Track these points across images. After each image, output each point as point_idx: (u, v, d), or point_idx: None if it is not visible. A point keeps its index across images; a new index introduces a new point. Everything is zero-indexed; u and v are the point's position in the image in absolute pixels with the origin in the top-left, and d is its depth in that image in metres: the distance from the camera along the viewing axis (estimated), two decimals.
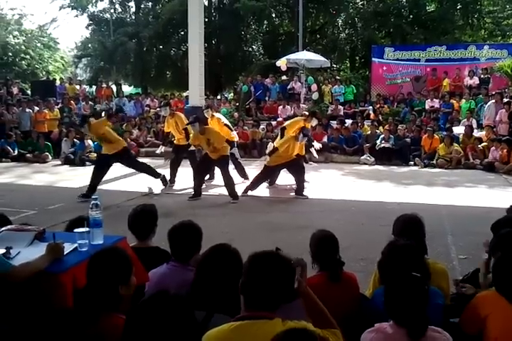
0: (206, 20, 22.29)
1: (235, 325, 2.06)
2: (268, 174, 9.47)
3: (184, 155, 10.18)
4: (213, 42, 27.95)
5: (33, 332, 2.49)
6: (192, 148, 9.66)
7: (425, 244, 3.33)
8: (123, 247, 3.22)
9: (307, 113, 10.38)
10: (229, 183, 8.84)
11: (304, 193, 9.05)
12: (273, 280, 2.07)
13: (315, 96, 17.09)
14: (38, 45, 36.25)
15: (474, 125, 14.20)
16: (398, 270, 2.70)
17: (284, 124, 9.85)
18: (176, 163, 10.18)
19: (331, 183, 10.53)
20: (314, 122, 10.19)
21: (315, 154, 10.59)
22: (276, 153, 9.06)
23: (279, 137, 9.60)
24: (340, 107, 16.89)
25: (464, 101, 15.75)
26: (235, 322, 2.07)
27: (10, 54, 33.64)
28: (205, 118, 9.89)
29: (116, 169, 10.92)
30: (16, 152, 14.41)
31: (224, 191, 8.95)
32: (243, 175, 10.32)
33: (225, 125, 10.36)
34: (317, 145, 10.68)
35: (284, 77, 18.98)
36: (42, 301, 2.66)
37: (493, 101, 14.14)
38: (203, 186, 9.23)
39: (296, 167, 9.17)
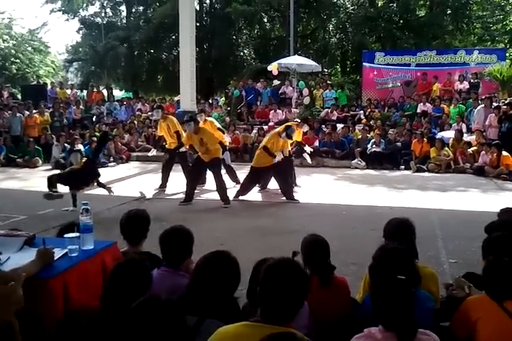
0: (197, 24, 22.33)
1: (251, 324, 2.07)
2: (255, 177, 9.40)
3: (176, 160, 10.15)
4: (205, 46, 27.98)
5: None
6: (182, 149, 9.58)
7: (416, 248, 3.35)
8: (114, 252, 3.23)
9: (299, 120, 10.37)
10: (221, 187, 8.80)
11: (295, 197, 9.06)
12: (292, 291, 2.06)
13: (306, 100, 17.13)
14: (29, 49, 36.21)
15: (464, 129, 14.29)
16: (389, 274, 2.71)
17: (263, 142, 9.52)
18: (168, 167, 10.14)
19: (322, 187, 10.53)
20: (305, 128, 10.20)
21: (308, 159, 10.57)
22: (263, 154, 9.06)
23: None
24: (334, 112, 16.93)
25: (453, 105, 15.85)
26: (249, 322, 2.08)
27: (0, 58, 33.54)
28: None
29: (106, 174, 10.88)
30: (2, 156, 14.31)
31: (215, 196, 8.94)
32: (234, 179, 10.30)
33: (218, 129, 10.37)
34: (308, 149, 10.68)
35: (275, 81, 18.98)
36: (31, 307, 2.64)
37: (483, 105, 14.23)
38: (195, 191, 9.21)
39: (280, 171, 9.18)
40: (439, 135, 13.91)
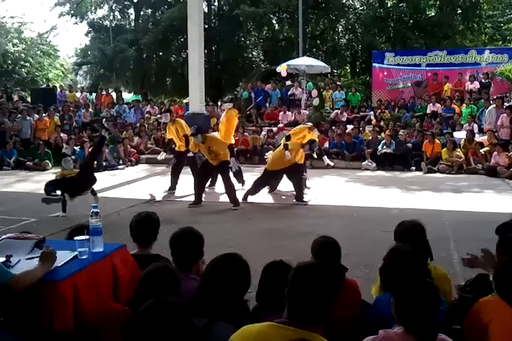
0: (206, 26, 22.35)
1: (274, 324, 2.05)
2: (267, 178, 9.39)
3: (185, 163, 10.15)
4: (213, 48, 28.04)
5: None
6: (190, 154, 9.63)
7: (430, 249, 3.31)
8: (123, 255, 3.22)
9: (310, 123, 10.30)
10: (230, 189, 8.79)
11: (304, 199, 9.03)
12: (322, 293, 2.04)
13: (315, 102, 17.10)
14: (38, 52, 36.44)
15: (476, 130, 14.19)
16: (400, 276, 2.67)
17: (290, 132, 9.80)
18: (177, 170, 10.15)
19: (332, 189, 10.49)
20: (316, 133, 9.99)
21: (328, 161, 10.25)
22: (279, 157, 9.05)
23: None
24: (344, 113, 16.88)
25: (465, 106, 15.74)
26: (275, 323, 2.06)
27: (10, 62, 33.82)
28: (206, 127, 9.96)
29: (116, 176, 10.92)
30: (13, 159, 14.35)
31: (224, 198, 8.93)
32: (241, 180, 10.29)
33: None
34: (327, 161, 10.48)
35: (288, 82, 18.97)
36: (41, 310, 2.64)
37: (494, 105, 14.14)
38: (204, 193, 9.22)
39: (295, 173, 9.15)
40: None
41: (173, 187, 10.07)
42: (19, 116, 15.97)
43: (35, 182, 11.77)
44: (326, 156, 10.37)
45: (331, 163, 10.63)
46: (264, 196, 9.58)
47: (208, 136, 8.94)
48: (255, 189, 9.31)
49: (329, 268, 2.20)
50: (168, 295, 2.44)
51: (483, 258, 3.32)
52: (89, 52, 32.03)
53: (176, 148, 10.30)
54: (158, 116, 18.43)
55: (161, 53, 29.43)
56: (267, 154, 11.00)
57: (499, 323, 2.57)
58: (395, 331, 2.28)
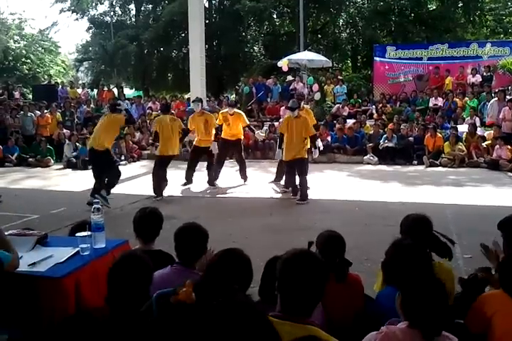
0: (207, 21, 22.32)
1: (270, 319, 2.01)
2: (285, 168, 9.24)
3: (201, 158, 10.08)
4: (214, 43, 27.98)
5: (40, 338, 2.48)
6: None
7: (441, 244, 3.29)
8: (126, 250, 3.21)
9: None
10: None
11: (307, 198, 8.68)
12: (311, 282, 2.02)
13: (317, 96, 17.05)
14: (39, 49, 36.39)
15: (478, 123, 14.15)
16: (403, 270, 2.67)
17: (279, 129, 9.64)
18: (194, 164, 10.03)
19: (334, 184, 10.49)
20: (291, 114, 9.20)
21: (316, 154, 9.55)
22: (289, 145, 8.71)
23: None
24: (345, 108, 16.85)
25: (467, 99, 15.69)
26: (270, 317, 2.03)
27: (11, 58, 33.78)
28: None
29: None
30: (15, 156, 14.38)
31: (228, 194, 8.93)
32: (244, 176, 10.32)
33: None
34: (320, 144, 10.37)
35: (289, 77, 18.92)
36: (44, 305, 2.64)
37: (496, 99, 14.09)
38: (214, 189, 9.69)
39: (303, 168, 8.80)
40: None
41: (189, 181, 9.99)
42: (21, 112, 15.99)
43: (37, 179, 11.81)
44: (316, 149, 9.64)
45: (315, 156, 9.69)
46: (266, 191, 9.59)
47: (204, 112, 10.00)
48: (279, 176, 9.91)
49: (317, 255, 2.18)
50: (139, 284, 2.41)
51: (488, 253, 3.31)
52: (90, 48, 32.00)
53: (195, 143, 10.09)
54: (160, 111, 18.45)
55: (162, 49, 29.36)
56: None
57: (502, 316, 2.58)
58: (398, 327, 2.27)
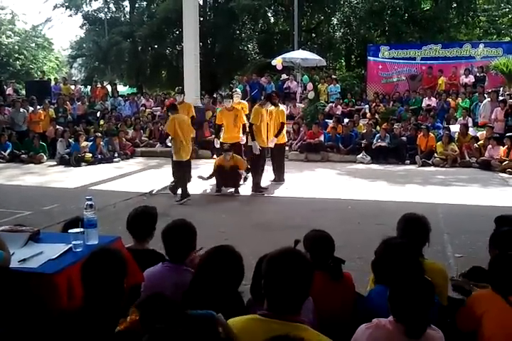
0: (201, 19, 22.25)
1: (258, 318, 2.04)
2: (258, 158, 9.30)
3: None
4: (208, 41, 27.91)
5: (31, 334, 2.48)
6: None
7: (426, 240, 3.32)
8: (118, 247, 3.21)
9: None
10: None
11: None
12: (296, 279, 2.01)
13: (311, 95, 17.06)
14: (32, 45, 36.22)
15: (470, 123, 14.21)
16: (392, 269, 2.69)
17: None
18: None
19: (327, 182, 10.51)
20: (269, 106, 9.51)
21: (256, 149, 9.18)
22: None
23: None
24: (338, 106, 16.87)
25: (459, 99, 15.76)
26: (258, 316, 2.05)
27: (3, 54, 33.58)
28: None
29: (111, 169, 10.86)
30: (8, 152, 14.27)
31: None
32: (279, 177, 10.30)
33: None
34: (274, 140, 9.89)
35: (284, 76, 18.92)
36: (35, 302, 2.64)
37: (489, 99, 14.16)
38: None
39: (280, 156, 9.10)
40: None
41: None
42: (10, 108, 15.85)
43: (30, 175, 11.76)
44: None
45: (257, 152, 9.27)
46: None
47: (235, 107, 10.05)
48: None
49: (302, 253, 2.19)
50: (113, 277, 2.40)
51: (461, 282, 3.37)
52: (84, 45, 31.86)
53: (222, 139, 10.00)
54: (154, 108, 18.47)
55: (156, 46, 29.27)
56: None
57: (492, 315, 2.61)
58: (388, 319, 2.31)
